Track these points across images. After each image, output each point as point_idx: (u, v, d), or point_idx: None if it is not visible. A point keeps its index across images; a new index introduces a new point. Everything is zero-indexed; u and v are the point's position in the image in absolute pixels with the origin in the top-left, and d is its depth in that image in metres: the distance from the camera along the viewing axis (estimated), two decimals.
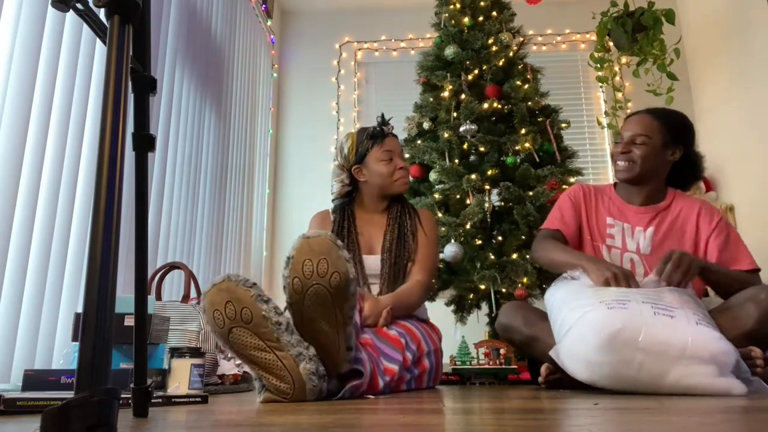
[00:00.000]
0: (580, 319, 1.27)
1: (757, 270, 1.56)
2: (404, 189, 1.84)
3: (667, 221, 1.64)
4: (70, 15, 1.67)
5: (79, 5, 0.64)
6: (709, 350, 1.15)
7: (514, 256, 2.47)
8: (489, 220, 2.55)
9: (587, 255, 1.58)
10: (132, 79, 0.76)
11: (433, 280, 1.84)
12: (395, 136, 1.90)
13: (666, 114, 1.66)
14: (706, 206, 1.66)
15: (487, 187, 2.62)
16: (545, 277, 2.43)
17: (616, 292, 1.32)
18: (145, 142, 0.79)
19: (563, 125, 2.78)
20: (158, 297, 1.77)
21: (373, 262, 1.75)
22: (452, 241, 2.51)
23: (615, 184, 1.78)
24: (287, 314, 1.09)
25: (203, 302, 1.08)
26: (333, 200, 1.94)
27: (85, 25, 1.34)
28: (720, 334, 1.21)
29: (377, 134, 1.85)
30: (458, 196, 2.64)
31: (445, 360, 2.02)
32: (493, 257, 2.49)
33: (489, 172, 2.65)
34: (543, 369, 1.52)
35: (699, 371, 1.15)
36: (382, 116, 1.88)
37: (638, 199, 1.68)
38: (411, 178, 2.87)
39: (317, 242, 1.08)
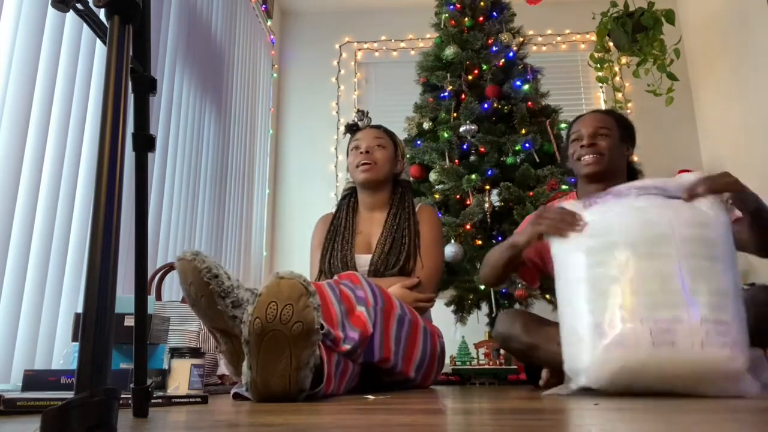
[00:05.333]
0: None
1: None
2: (365, 177, 1.76)
3: None
4: (70, 15, 1.67)
5: (79, 5, 0.64)
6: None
7: None
8: (489, 220, 2.55)
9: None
10: (132, 79, 0.76)
11: (436, 281, 1.79)
12: (376, 127, 1.86)
13: (616, 113, 1.71)
14: None
15: (487, 187, 2.62)
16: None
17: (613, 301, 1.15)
18: (145, 142, 0.79)
19: (563, 125, 2.78)
20: (158, 297, 1.77)
21: (366, 261, 1.73)
22: (452, 241, 2.51)
23: (576, 193, 1.74)
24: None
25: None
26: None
27: (85, 25, 1.34)
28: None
29: (347, 129, 1.88)
30: (458, 197, 2.64)
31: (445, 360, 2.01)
32: None
33: (489, 173, 2.65)
34: (543, 373, 1.51)
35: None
36: (359, 110, 1.88)
37: None
38: (411, 178, 2.87)
39: (288, 285, 1.02)
